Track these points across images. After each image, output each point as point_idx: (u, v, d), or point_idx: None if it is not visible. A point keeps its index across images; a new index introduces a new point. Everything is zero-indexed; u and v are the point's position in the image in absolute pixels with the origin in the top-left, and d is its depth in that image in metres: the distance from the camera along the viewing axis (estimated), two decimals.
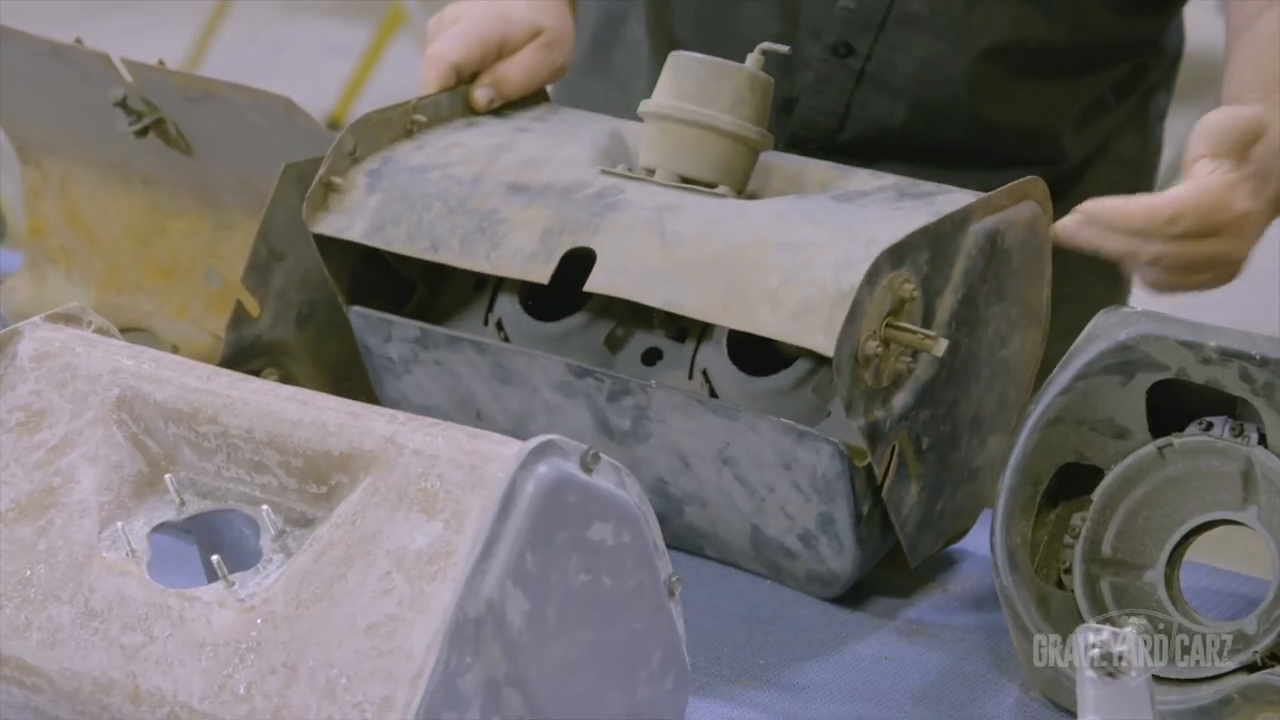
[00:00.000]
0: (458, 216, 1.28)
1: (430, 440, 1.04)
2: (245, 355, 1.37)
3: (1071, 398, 1.18)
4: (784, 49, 1.31)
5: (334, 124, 4.41)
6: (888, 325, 1.20)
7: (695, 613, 1.16)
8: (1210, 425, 1.16)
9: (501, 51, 1.41)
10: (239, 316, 1.36)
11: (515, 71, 1.40)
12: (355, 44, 4.49)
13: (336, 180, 1.33)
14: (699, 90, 1.29)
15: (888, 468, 1.24)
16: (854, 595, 1.29)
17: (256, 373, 1.36)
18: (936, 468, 1.27)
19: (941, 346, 1.19)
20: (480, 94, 1.40)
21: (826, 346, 1.17)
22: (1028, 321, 1.30)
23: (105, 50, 1.44)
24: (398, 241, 1.30)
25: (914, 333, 1.19)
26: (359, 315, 1.35)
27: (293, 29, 4.98)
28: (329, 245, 1.33)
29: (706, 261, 1.21)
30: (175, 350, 1.46)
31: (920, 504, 1.27)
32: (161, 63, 1.43)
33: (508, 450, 1.02)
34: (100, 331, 1.16)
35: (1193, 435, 1.16)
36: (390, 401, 1.36)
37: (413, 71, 5.21)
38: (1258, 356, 1.12)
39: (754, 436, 1.24)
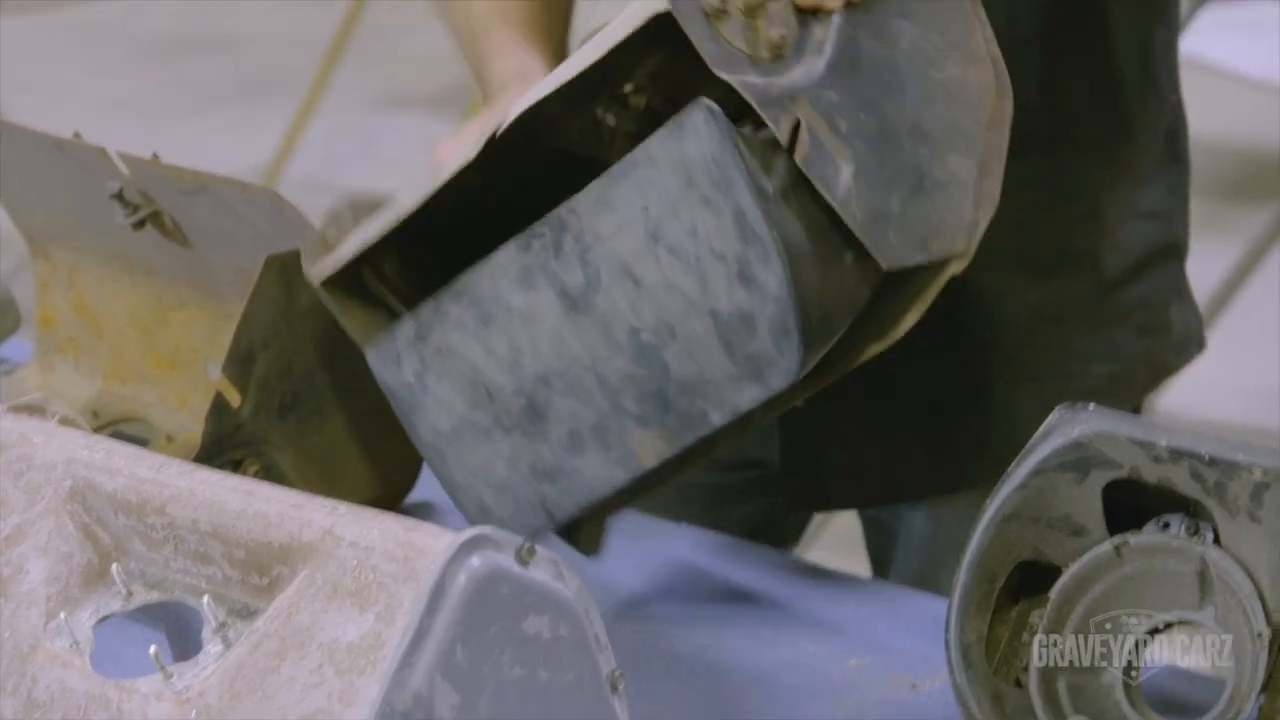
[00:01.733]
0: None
1: (367, 532, 1.04)
2: (226, 446, 1.37)
3: (1027, 494, 1.16)
4: None
5: None
6: None
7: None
8: (1168, 524, 1.14)
9: None
10: (219, 407, 1.37)
11: None
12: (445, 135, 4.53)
13: (332, 233, 1.35)
14: None
15: (794, 136, 1.22)
16: (827, 693, 1.27)
17: (237, 464, 1.37)
18: (872, 158, 1.25)
19: None
20: None
21: None
22: (962, 56, 1.29)
23: (102, 144, 1.46)
24: (374, 227, 1.33)
25: None
26: (374, 353, 1.36)
27: (387, 122, 5.02)
28: (340, 297, 1.35)
29: None
30: (170, 440, 1.47)
31: (862, 189, 1.24)
32: (156, 156, 1.45)
33: (440, 543, 1.01)
34: (65, 421, 1.17)
35: (1149, 534, 1.14)
36: (429, 445, 1.36)
37: None
38: (1207, 456, 1.10)
39: (655, 171, 1.25)
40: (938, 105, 1.28)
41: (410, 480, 1.50)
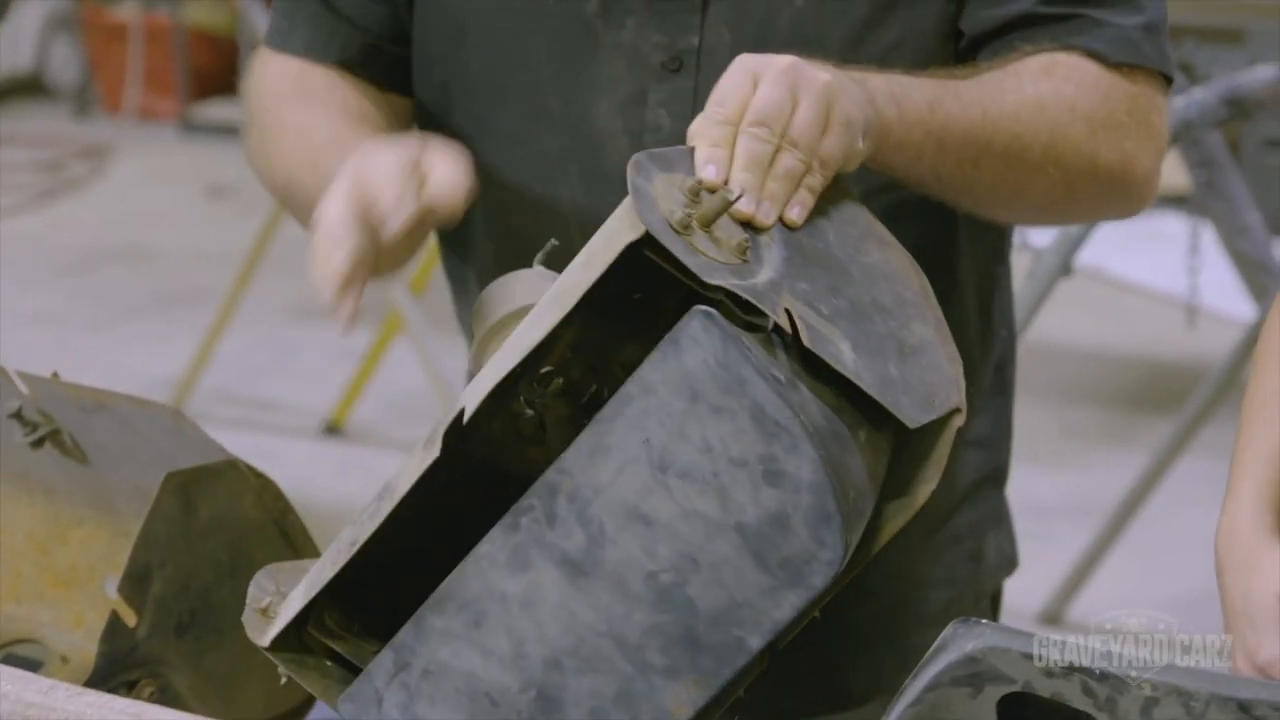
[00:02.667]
0: None
1: None
2: (121, 667, 1.35)
3: (922, 710, 1.16)
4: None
5: (333, 427, 4.44)
6: (691, 190, 1.25)
7: None
8: None
9: None
10: (114, 627, 1.35)
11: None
12: (359, 347, 4.54)
13: (269, 600, 1.30)
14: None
15: (794, 325, 1.22)
16: None
17: (133, 684, 1.35)
18: (858, 333, 1.25)
19: (740, 199, 1.26)
20: None
21: (633, 224, 1.21)
22: (877, 242, 1.33)
23: (3, 364, 1.45)
24: (305, 586, 1.27)
25: (712, 191, 1.26)
26: (349, 706, 1.28)
27: (305, 333, 5.03)
28: (291, 660, 1.29)
29: None
30: (64, 662, 1.44)
31: (865, 360, 1.24)
32: (56, 374, 1.44)
33: None
34: None
35: None
36: None
37: (411, 373, 5.29)
38: (1098, 671, 1.10)
39: (654, 398, 1.21)
40: (880, 283, 1.31)
41: (311, 698, 1.48)
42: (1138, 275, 5.18)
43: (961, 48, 1.53)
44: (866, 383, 1.24)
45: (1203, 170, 3.13)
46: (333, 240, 1.33)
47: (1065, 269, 3.18)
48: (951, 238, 1.58)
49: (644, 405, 1.21)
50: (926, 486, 1.28)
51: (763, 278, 1.25)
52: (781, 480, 1.20)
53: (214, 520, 1.39)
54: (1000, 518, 1.65)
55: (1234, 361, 3.40)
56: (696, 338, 1.21)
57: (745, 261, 1.25)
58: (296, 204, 1.54)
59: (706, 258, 1.23)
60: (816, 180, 1.32)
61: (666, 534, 1.21)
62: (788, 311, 1.23)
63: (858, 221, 1.34)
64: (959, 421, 1.28)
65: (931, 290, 1.33)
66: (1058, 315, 4.02)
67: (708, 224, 1.26)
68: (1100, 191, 1.50)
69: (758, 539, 1.20)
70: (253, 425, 4.37)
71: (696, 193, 1.27)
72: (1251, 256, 3.26)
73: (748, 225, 1.28)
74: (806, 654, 1.33)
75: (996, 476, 1.64)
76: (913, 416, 1.25)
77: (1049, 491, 3.69)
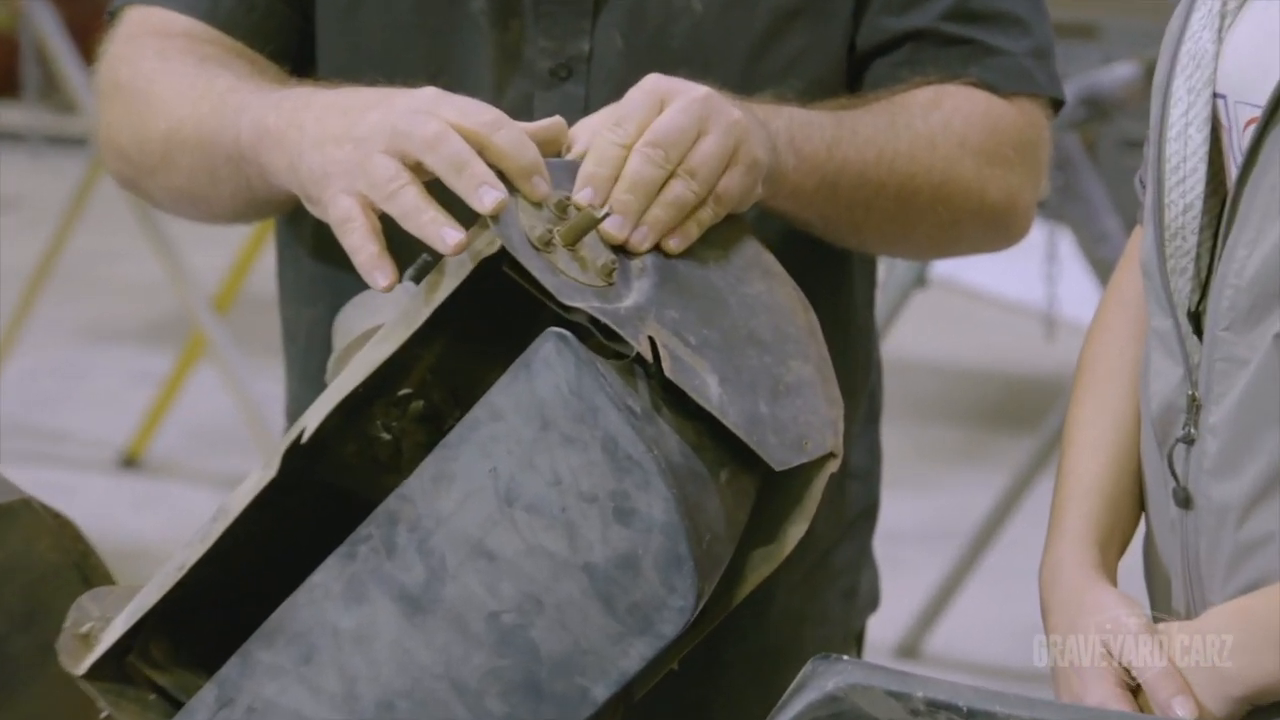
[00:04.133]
0: None
1: None
2: None
3: None
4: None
5: (130, 459, 4.39)
6: (559, 206, 1.27)
7: None
8: None
9: None
10: None
11: None
12: (158, 370, 4.50)
13: (89, 625, 1.29)
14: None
15: (656, 354, 1.23)
16: None
17: None
18: (728, 367, 1.26)
19: (608, 218, 1.27)
20: None
21: (490, 238, 1.22)
22: (761, 272, 1.35)
23: None
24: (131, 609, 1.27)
25: (579, 209, 1.27)
26: None
27: (96, 356, 4.98)
28: (109, 691, 1.28)
29: None
30: None
31: (732, 395, 1.25)
32: None
33: None
34: None
35: None
36: None
37: (216, 400, 5.21)
38: (964, 708, 1.12)
39: (502, 424, 1.21)
40: (760, 315, 1.32)
41: None
42: (993, 285, 5.25)
43: (851, 65, 1.56)
44: (732, 419, 1.25)
45: (1059, 174, 3.18)
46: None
47: (919, 280, 3.22)
48: (844, 264, 1.60)
49: (492, 431, 1.22)
50: (794, 531, 1.29)
51: (628, 302, 1.26)
52: (632, 519, 1.20)
53: (6, 565, 1.37)
54: (869, 553, 1.68)
55: None
56: (549, 362, 1.21)
57: (610, 284, 1.26)
58: (182, 154, 1.51)
59: (567, 277, 1.25)
60: (708, 215, 1.33)
61: (511, 571, 1.21)
62: (651, 339, 1.24)
63: (743, 249, 1.36)
64: (833, 467, 1.30)
65: (818, 327, 1.35)
66: (909, 327, 4.07)
67: (572, 242, 1.27)
68: (984, 228, 1.55)
69: (606, 581, 1.20)
70: (42, 458, 4.31)
71: (565, 208, 1.28)
72: (1111, 263, 3.32)
73: (620, 248, 1.30)
74: (672, 695, 1.34)
75: (871, 509, 1.67)
76: (780, 458, 1.27)
77: (903, 517, 3.73)
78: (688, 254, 1.32)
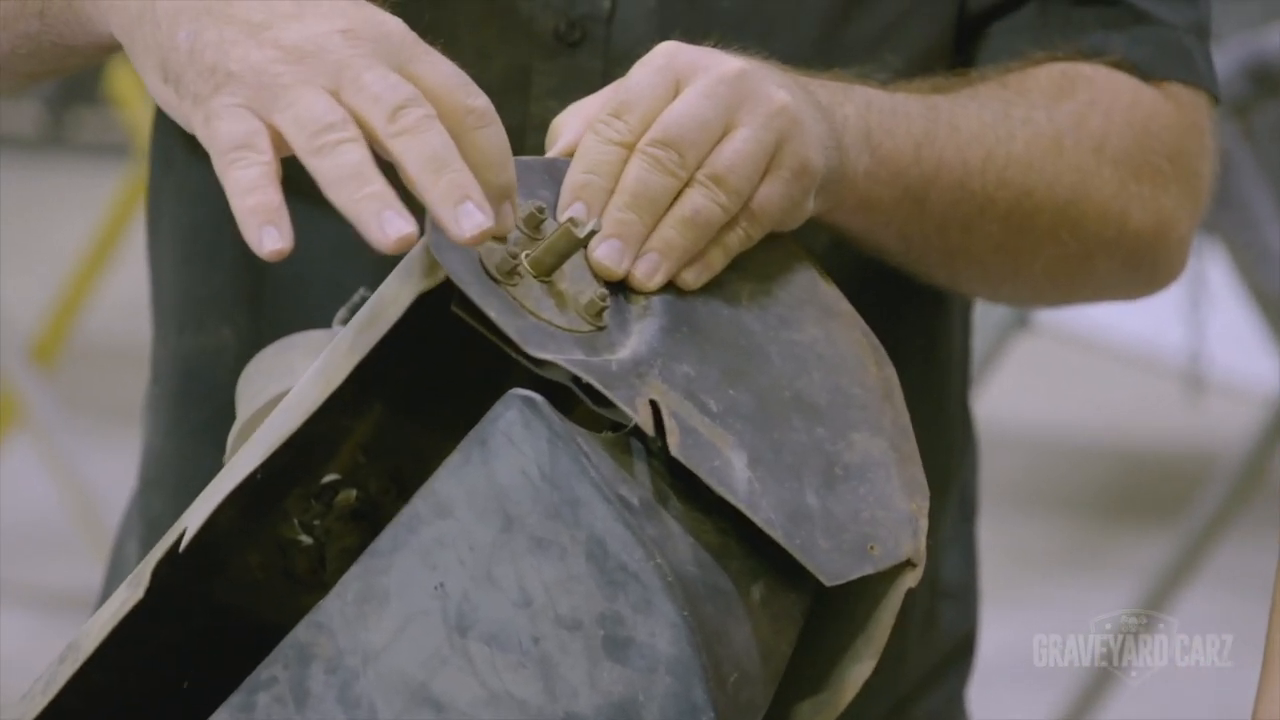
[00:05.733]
0: None
1: None
2: None
3: None
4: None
5: None
6: (529, 220, 1.26)
7: None
8: None
9: None
10: None
11: None
12: None
13: None
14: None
15: (659, 422, 1.22)
16: None
17: None
18: (762, 442, 1.25)
19: (602, 245, 1.27)
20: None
21: (431, 266, 1.21)
22: (818, 311, 1.34)
23: None
24: None
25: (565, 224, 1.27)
26: None
27: None
28: None
29: None
30: None
31: (768, 482, 1.24)
32: None
33: None
34: None
35: None
36: None
37: (34, 488, 5.25)
38: None
39: (450, 523, 1.21)
40: (813, 371, 1.31)
41: None
42: (1117, 328, 5.26)
43: (960, 33, 1.56)
44: (765, 515, 1.24)
45: None
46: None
47: (1020, 322, 3.22)
48: (940, 305, 1.61)
49: (438, 533, 1.21)
50: (858, 671, 1.28)
51: (623, 353, 1.26)
52: (629, 653, 1.20)
53: None
54: (963, 701, 1.68)
55: (1256, 448, 3.45)
56: (512, 436, 1.21)
57: (600, 328, 1.26)
58: None
59: (537, 319, 1.24)
60: (738, 237, 1.32)
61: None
62: (653, 404, 1.24)
63: (792, 282, 1.35)
64: (911, 581, 1.28)
65: (898, 387, 1.34)
66: (1007, 385, 4.07)
67: (547, 271, 1.26)
68: (1123, 265, 1.54)
69: None
70: None
71: (538, 224, 1.28)
72: (1277, 294, 3.32)
73: (620, 283, 1.29)
74: None
75: (966, 642, 1.68)
76: (835, 569, 1.25)
77: (992, 647, 3.73)
78: (712, 288, 1.32)
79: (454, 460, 1.22)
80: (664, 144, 1.30)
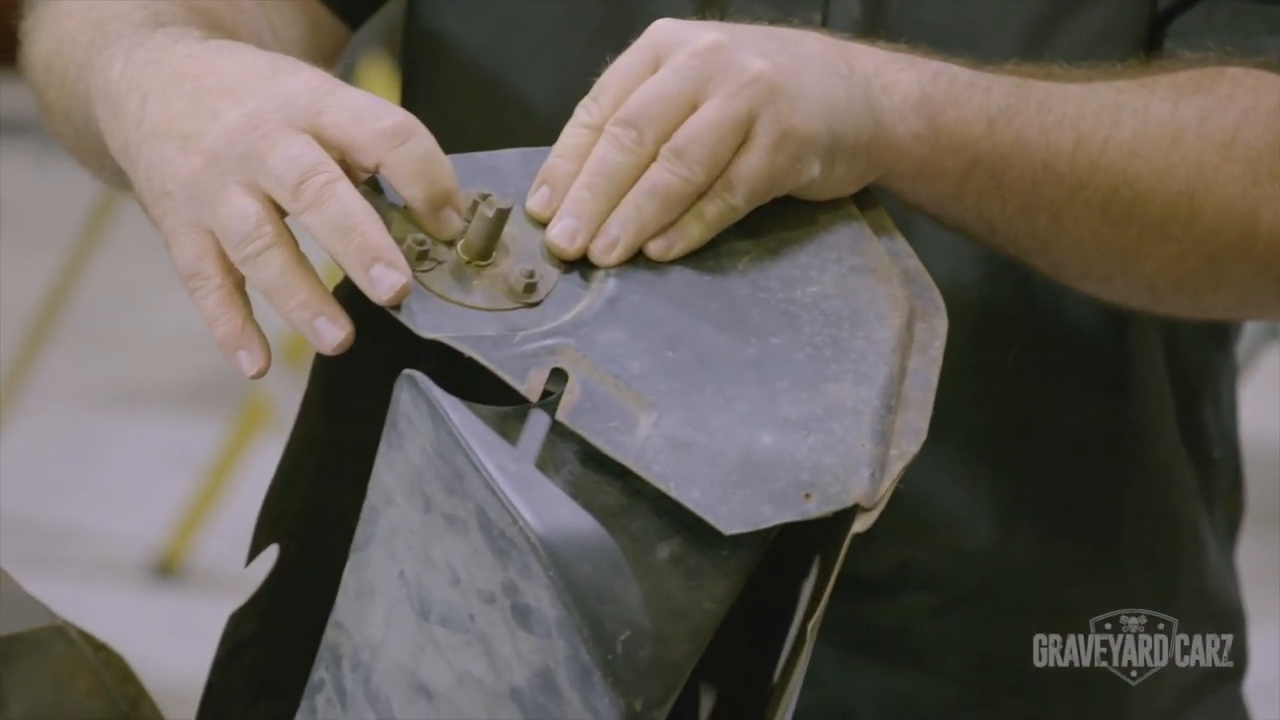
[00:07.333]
0: None
1: None
2: None
3: None
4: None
5: (165, 567, 4.43)
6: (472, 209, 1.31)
7: None
8: None
9: None
10: None
11: None
12: (199, 449, 4.53)
13: None
14: None
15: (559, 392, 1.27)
16: None
17: None
18: (691, 402, 1.29)
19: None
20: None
21: None
22: (846, 269, 1.36)
23: None
24: None
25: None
26: None
27: (112, 429, 5.03)
28: None
29: None
30: None
31: (681, 438, 1.27)
32: None
33: None
34: None
35: None
36: None
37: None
38: None
39: (395, 511, 1.25)
40: (803, 328, 1.34)
41: None
42: None
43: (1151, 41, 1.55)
44: (657, 470, 1.26)
45: None
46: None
47: (1272, 333, 3.18)
48: (1116, 324, 1.62)
49: (390, 521, 1.27)
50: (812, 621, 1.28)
51: (546, 327, 1.30)
52: (530, 619, 1.23)
53: (31, 714, 1.40)
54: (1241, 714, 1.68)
55: None
56: (410, 416, 1.26)
57: (532, 304, 1.31)
58: (50, 87, 1.55)
59: (445, 301, 1.29)
60: (716, 208, 1.34)
61: (450, 712, 1.26)
62: (558, 372, 1.28)
63: (825, 239, 1.37)
64: (860, 525, 1.28)
65: (937, 337, 1.35)
66: (1261, 400, 4.02)
67: (480, 254, 1.31)
68: (1256, 271, 1.50)
69: (536, 711, 1.23)
70: (45, 565, 4.36)
71: (476, 210, 1.32)
72: None
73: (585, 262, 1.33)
74: None
75: (1238, 665, 1.67)
76: (740, 518, 1.26)
77: (1268, 667, 3.68)
78: (702, 255, 1.35)
79: (381, 446, 1.27)
80: (624, 123, 1.33)
